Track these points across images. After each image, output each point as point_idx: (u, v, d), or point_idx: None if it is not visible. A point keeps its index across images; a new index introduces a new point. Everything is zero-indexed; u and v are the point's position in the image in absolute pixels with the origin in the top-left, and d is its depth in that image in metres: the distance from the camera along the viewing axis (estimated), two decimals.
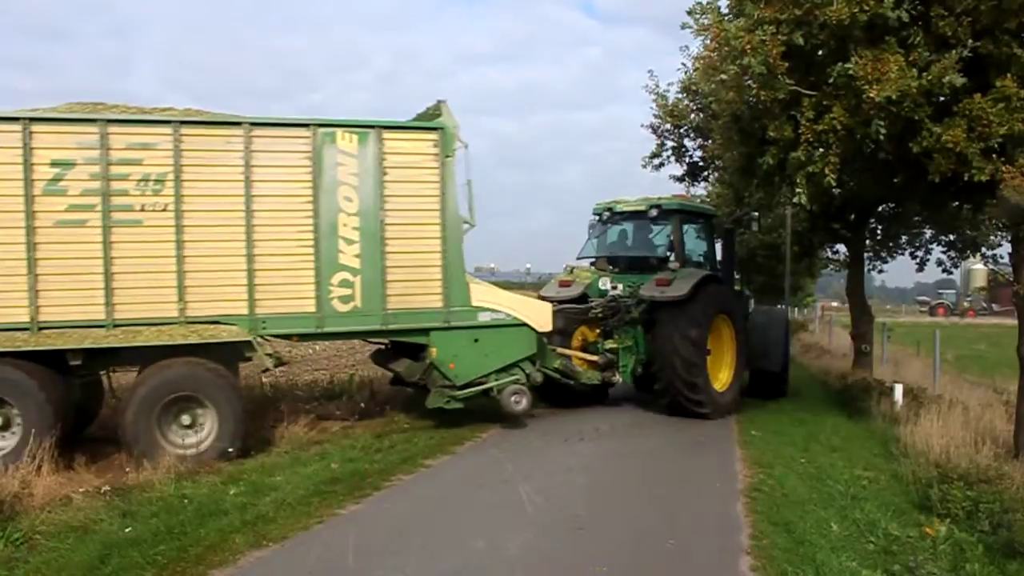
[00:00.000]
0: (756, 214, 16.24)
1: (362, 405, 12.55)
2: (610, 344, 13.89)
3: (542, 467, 9.30)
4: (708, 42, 9.93)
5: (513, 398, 11.58)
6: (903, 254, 18.86)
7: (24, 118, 9.18)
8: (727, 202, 21.31)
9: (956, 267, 18.64)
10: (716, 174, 20.95)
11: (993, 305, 64.52)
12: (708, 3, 9.81)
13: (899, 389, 12.89)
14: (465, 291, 11.40)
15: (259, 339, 10.00)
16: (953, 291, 75.56)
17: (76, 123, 9.52)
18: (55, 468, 8.10)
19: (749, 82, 9.35)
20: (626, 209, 14.64)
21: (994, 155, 8.20)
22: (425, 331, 11.22)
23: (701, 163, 21.01)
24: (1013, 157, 8.13)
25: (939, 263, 18.30)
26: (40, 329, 9.14)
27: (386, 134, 10.81)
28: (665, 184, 19.33)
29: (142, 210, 9.65)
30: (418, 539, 6.62)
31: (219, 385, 9.47)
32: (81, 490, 7.62)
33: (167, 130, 9.72)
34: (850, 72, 8.24)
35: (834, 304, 59.12)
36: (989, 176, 8.15)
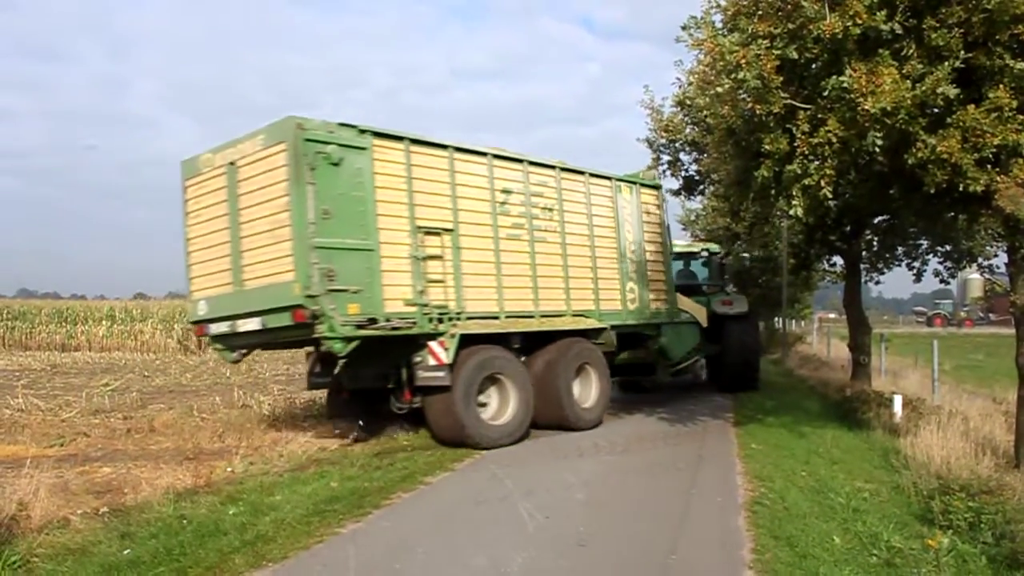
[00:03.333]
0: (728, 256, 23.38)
1: (361, 423, 12.54)
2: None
3: (542, 484, 9.28)
4: (703, 56, 9.99)
5: (703, 372, 20.49)
6: (900, 265, 18.87)
7: (488, 153, 12.66)
8: (723, 215, 21.42)
9: (953, 277, 18.67)
10: (711, 188, 21.06)
11: (990, 315, 64.67)
12: (702, 18, 9.86)
13: (898, 400, 12.91)
14: (675, 299, 16.84)
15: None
16: (950, 301, 75.76)
17: (514, 161, 13.14)
18: None
19: (744, 96, 9.38)
20: (679, 250, 19.49)
21: (988, 165, 8.24)
22: (658, 326, 16.03)
23: (697, 177, 21.11)
24: (1007, 167, 8.17)
25: (936, 274, 18.31)
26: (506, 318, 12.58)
27: (641, 189, 15.76)
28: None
29: (546, 231, 13.44)
30: (419, 557, 6.60)
31: (599, 357, 14.03)
32: (79, 512, 7.58)
33: (553, 173, 13.77)
34: (844, 85, 8.28)
35: (831, 316, 59.18)
36: (984, 186, 8.18)
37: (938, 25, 8.25)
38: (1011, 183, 8.06)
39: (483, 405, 12.00)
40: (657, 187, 16.63)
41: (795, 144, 9.07)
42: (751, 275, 34.17)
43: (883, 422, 12.55)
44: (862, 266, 19.08)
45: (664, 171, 20.92)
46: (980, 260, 17.11)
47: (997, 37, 8.04)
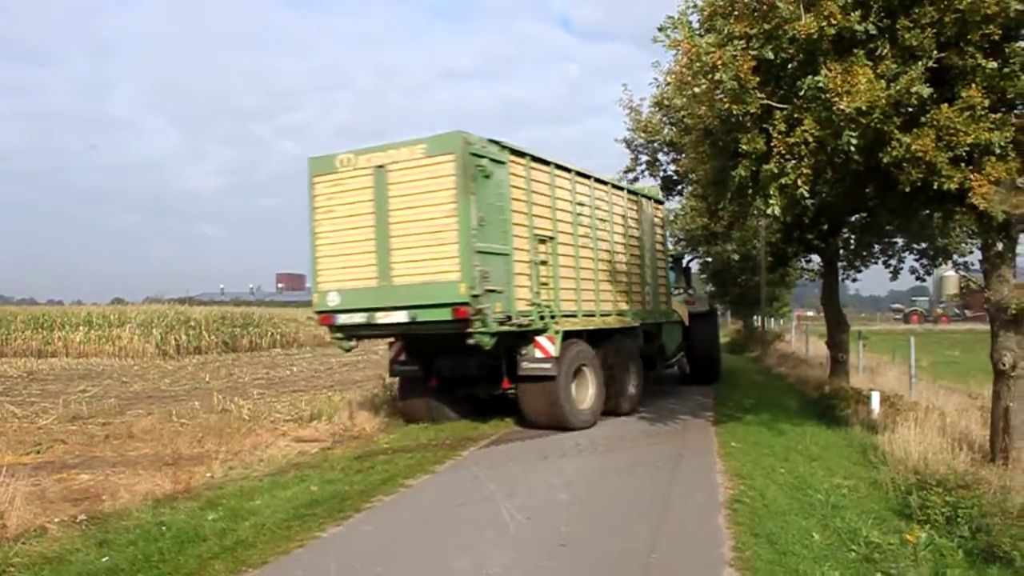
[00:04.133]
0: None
1: (342, 426, 12.51)
2: None
3: (524, 484, 9.29)
4: (680, 57, 10.02)
5: (687, 366, 21.29)
6: (876, 263, 19.03)
7: (572, 170, 14.38)
8: (701, 215, 21.53)
9: (929, 275, 18.86)
10: (690, 188, 21.17)
11: (966, 311, 65.26)
12: (679, 18, 9.88)
13: (876, 397, 12.99)
14: (671, 300, 19.52)
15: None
16: (926, 298, 76.38)
17: (585, 177, 14.90)
18: None
19: (720, 96, 9.42)
20: None
21: (962, 164, 8.32)
22: (660, 325, 18.29)
23: (675, 177, 21.22)
24: (980, 165, 8.26)
25: (912, 271, 18.51)
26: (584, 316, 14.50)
27: (653, 203, 18.19)
28: None
29: (600, 239, 15.37)
30: (400, 560, 6.59)
31: (637, 351, 16.35)
32: (56, 520, 7.52)
33: (606, 189, 15.81)
34: (820, 85, 8.33)
35: (810, 314, 59.58)
36: (958, 184, 8.25)
37: (911, 25, 8.32)
38: (984, 181, 8.14)
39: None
40: (661, 201, 19.53)
41: (772, 144, 9.12)
42: (730, 274, 34.38)
43: (861, 418, 12.63)
44: (839, 264, 19.22)
45: (642, 171, 21.05)
46: (955, 257, 17.31)
47: (969, 37, 8.11)
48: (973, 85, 8.11)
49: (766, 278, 29.04)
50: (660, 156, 21.06)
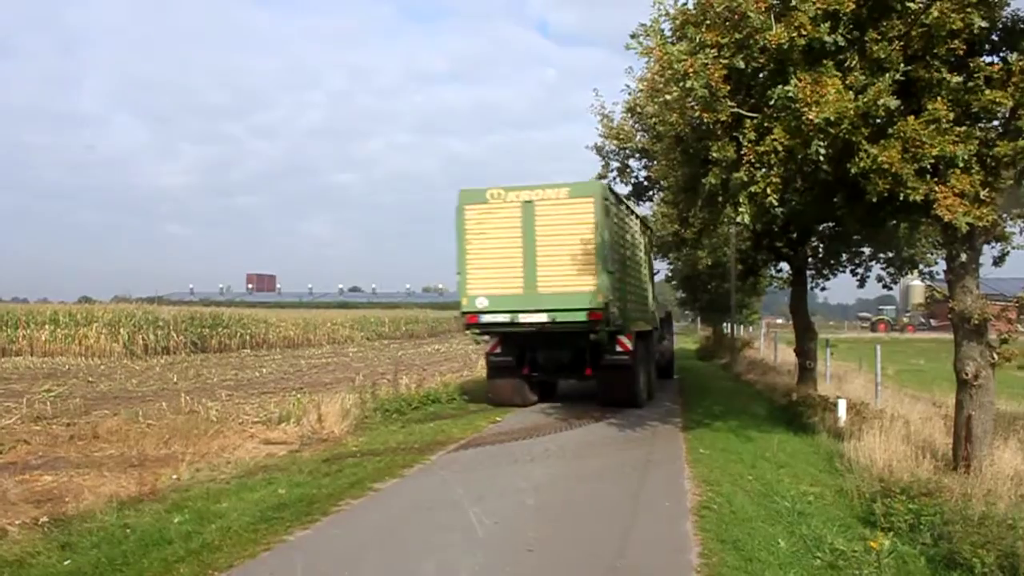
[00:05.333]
0: None
1: (310, 429, 12.43)
2: None
3: (492, 489, 9.28)
4: (652, 64, 10.07)
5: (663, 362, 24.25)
6: (844, 271, 19.28)
7: (628, 203, 18.77)
8: (672, 222, 21.65)
9: (895, 284, 19.12)
10: (661, 194, 21.27)
11: (931, 320, 66.03)
12: (651, 26, 9.94)
13: (842, 405, 13.11)
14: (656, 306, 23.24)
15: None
16: (893, 307, 77.30)
17: (629, 209, 18.94)
18: None
19: (692, 104, 9.48)
20: None
21: (927, 175, 8.42)
22: (655, 328, 21.57)
23: (646, 183, 21.30)
24: (945, 177, 8.36)
25: (879, 280, 18.78)
26: None
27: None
28: None
29: (636, 256, 19.32)
30: (367, 564, 6.56)
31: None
32: (18, 522, 7.39)
33: (634, 215, 19.46)
34: (790, 94, 8.41)
35: (779, 321, 60.12)
36: (923, 196, 8.35)
37: (879, 38, 8.44)
38: (949, 193, 8.25)
39: None
40: (645, 219, 22.04)
41: (742, 152, 9.19)
42: (700, 281, 34.57)
43: (828, 426, 12.76)
44: (808, 272, 19.43)
45: (614, 177, 21.12)
46: (921, 267, 17.57)
47: (935, 51, 8.24)
48: (939, 98, 8.23)
49: (736, 285, 29.26)
50: (631, 162, 21.13)
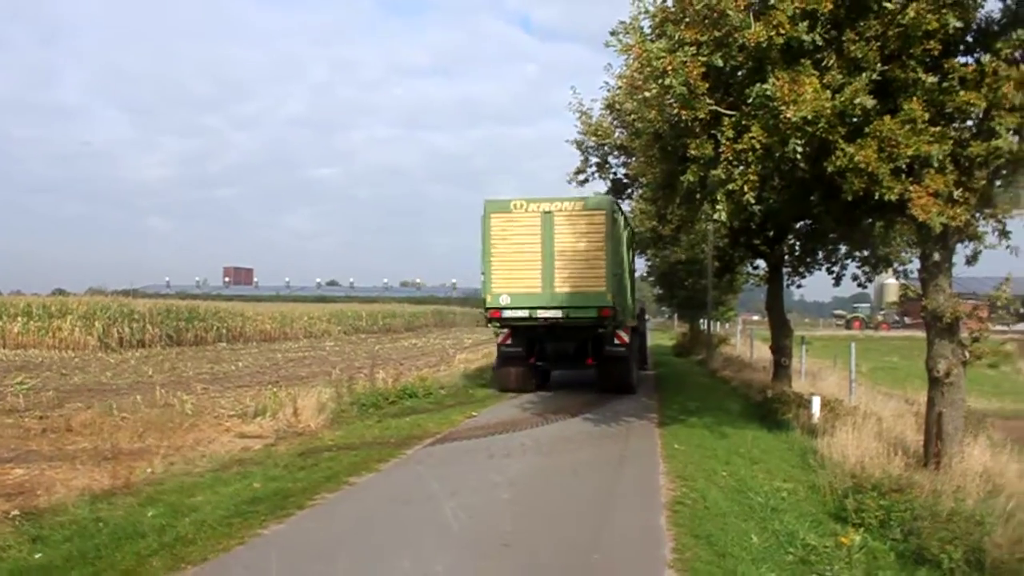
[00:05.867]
0: None
1: (286, 422, 12.39)
2: None
3: (468, 484, 9.28)
4: (631, 61, 10.09)
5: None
6: (820, 269, 19.40)
7: (623, 213, 20.37)
8: (650, 218, 21.74)
9: (870, 282, 19.29)
10: (639, 191, 21.34)
11: (905, 318, 66.60)
12: (631, 23, 9.95)
13: (816, 401, 13.21)
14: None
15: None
16: (868, 305, 77.93)
17: (625, 217, 20.79)
18: None
19: (670, 101, 9.51)
20: None
21: (903, 175, 8.50)
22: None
23: (625, 180, 21.36)
24: (920, 177, 8.44)
25: (854, 278, 18.90)
26: None
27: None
28: None
29: (626, 258, 21.18)
30: (342, 559, 6.55)
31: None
32: None
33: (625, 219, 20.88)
34: (768, 93, 8.45)
35: (755, 318, 60.39)
36: (898, 195, 8.43)
37: (857, 38, 8.49)
38: (923, 192, 8.33)
39: None
40: (628, 217, 22.78)
41: (720, 150, 9.22)
42: (677, 277, 34.69)
43: (802, 423, 12.85)
44: (784, 269, 19.54)
45: (593, 173, 21.18)
46: (896, 265, 17.72)
47: (911, 51, 8.31)
48: (914, 98, 8.30)
49: (713, 282, 29.40)
50: (610, 159, 21.21)
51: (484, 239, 18.06)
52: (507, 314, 18.00)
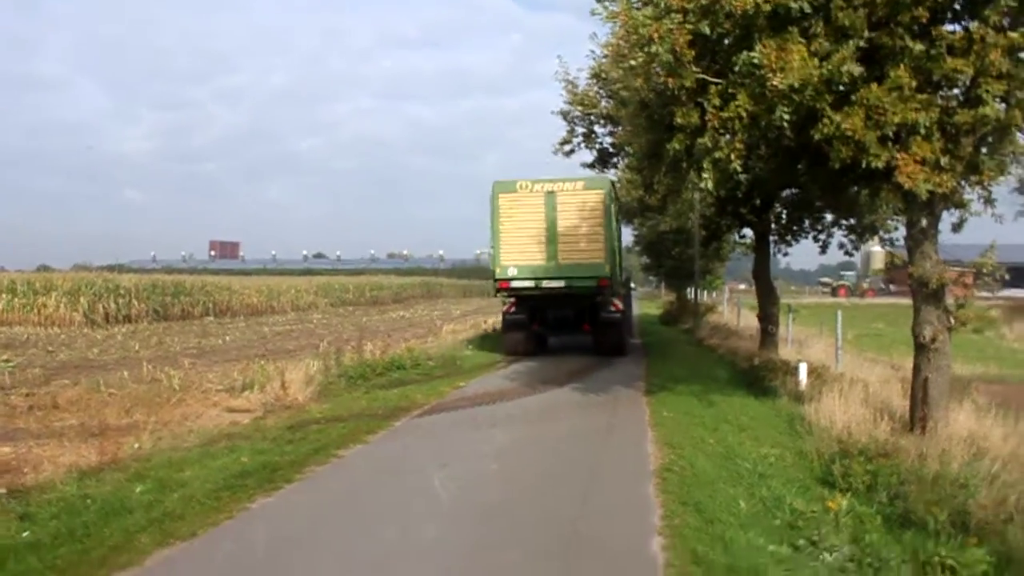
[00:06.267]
0: None
1: (274, 396, 12.37)
2: None
3: (455, 455, 9.32)
4: (617, 29, 10.02)
5: None
6: (807, 237, 19.44)
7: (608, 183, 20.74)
8: (636, 187, 21.72)
9: (856, 250, 19.37)
10: (625, 160, 21.29)
11: (891, 286, 66.86)
12: None
13: (803, 368, 13.28)
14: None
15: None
16: (854, 273, 78.17)
17: (615, 193, 21.30)
18: None
19: (657, 69, 9.45)
20: None
21: (889, 143, 8.49)
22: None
23: (611, 149, 21.30)
24: (907, 144, 8.43)
25: (840, 246, 18.99)
26: None
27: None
28: (577, 172, 20.61)
29: (616, 229, 21.75)
30: (331, 531, 6.57)
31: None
32: None
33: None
34: (754, 61, 8.41)
35: (742, 287, 60.52)
36: (885, 163, 8.43)
37: (844, 5, 8.43)
38: (910, 160, 8.33)
39: None
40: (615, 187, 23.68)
41: (706, 118, 9.19)
42: (664, 246, 34.71)
43: (789, 390, 12.93)
44: (771, 238, 19.56)
45: (579, 143, 21.10)
46: (881, 233, 17.76)
47: (899, 18, 8.26)
48: (902, 66, 8.28)
49: (699, 251, 29.44)
50: (596, 128, 21.11)
51: (493, 217, 19.88)
52: (515, 284, 19.74)
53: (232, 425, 10.93)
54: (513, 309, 21.12)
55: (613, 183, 21.05)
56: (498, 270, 19.96)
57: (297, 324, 38.00)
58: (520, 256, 19.65)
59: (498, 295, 21.28)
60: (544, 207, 19.54)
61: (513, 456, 9.43)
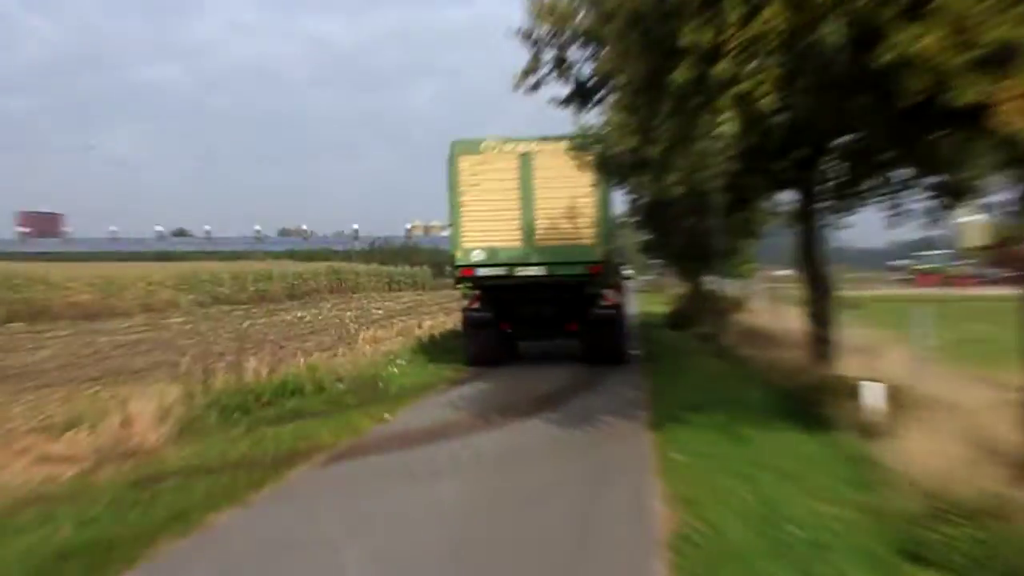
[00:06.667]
0: None
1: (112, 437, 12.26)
2: None
3: (381, 521, 9.30)
4: None
5: None
6: (870, 204, 19.52)
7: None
8: (629, 134, 21.77)
9: (944, 221, 19.48)
10: (612, 96, 21.33)
11: (997, 271, 67.31)
12: None
13: (875, 389, 13.20)
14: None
15: None
16: (941, 253, 78.91)
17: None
18: None
19: None
20: None
21: (981, 70, 8.50)
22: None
23: (592, 82, 21.32)
24: (1006, 72, 8.42)
25: (922, 215, 19.06)
26: None
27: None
28: (548, 113, 21.59)
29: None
30: None
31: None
32: None
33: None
34: None
35: (782, 273, 60.90)
36: (975, 98, 8.43)
37: None
38: (1012, 94, 8.32)
39: None
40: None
41: (724, 37, 9.18)
42: (670, 216, 34.69)
43: (853, 420, 12.92)
44: (820, 205, 19.64)
45: (547, 74, 21.12)
46: (982, 197, 17.84)
47: None
48: None
49: (722, 223, 29.52)
50: (572, 52, 21.12)
51: (451, 186, 21.24)
52: (481, 272, 21.16)
53: (48, 482, 10.78)
54: (477, 305, 22.13)
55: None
56: (459, 254, 21.17)
57: (148, 332, 37.76)
58: (488, 236, 20.85)
59: (459, 286, 22.61)
60: (518, 173, 20.73)
61: (461, 523, 9.39)
